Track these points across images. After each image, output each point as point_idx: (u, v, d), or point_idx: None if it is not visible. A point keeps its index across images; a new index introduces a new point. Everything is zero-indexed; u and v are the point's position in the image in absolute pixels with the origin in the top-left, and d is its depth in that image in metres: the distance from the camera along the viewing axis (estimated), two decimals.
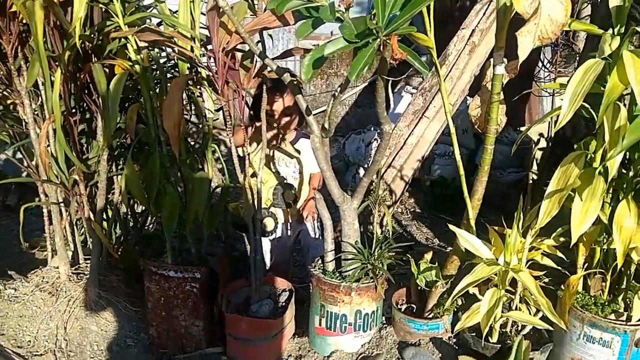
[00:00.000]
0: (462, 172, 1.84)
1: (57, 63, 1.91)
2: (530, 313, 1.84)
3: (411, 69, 5.91)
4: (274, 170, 2.45)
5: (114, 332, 2.17)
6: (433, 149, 4.16)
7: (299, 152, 2.46)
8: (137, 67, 1.90)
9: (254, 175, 2.09)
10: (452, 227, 1.76)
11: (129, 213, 2.47)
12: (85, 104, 2.10)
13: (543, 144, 3.78)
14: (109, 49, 1.93)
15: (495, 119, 1.74)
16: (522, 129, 5.53)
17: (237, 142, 2.14)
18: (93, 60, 1.99)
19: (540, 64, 4.47)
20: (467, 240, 1.74)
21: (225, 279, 2.16)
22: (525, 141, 5.48)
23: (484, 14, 2.98)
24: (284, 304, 2.15)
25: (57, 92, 1.89)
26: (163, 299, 2.08)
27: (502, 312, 1.81)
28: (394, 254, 2.02)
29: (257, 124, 2.23)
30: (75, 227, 2.39)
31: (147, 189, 2.03)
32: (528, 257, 1.79)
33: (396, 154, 3.08)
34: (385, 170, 3.05)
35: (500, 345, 1.82)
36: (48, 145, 2.10)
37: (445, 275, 1.98)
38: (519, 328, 1.92)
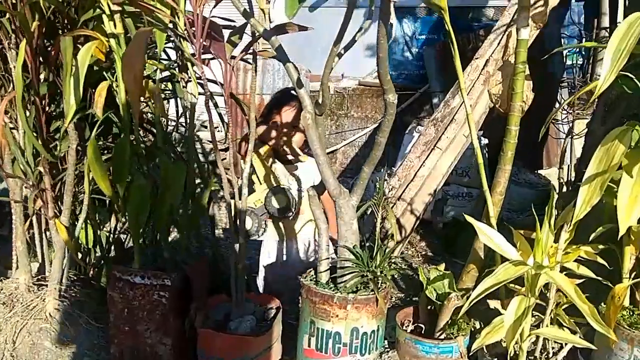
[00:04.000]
0: (480, 160, 1.56)
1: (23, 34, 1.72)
2: None
3: (423, 109, 5.75)
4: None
5: (69, 350, 1.86)
6: (445, 190, 3.86)
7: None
8: (112, 40, 1.69)
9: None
10: (468, 218, 1.45)
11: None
12: (58, 88, 1.89)
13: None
14: (83, 20, 1.73)
15: (520, 94, 1.48)
16: (541, 172, 5.30)
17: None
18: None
19: (557, 105, 4.34)
20: (489, 237, 1.43)
21: (201, 288, 1.85)
22: (544, 184, 5.24)
23: (498, 43, 2.79)
24: (269, 322, 1.83)
25: (20, 64, 1.68)
26: (127, 310, 1.77)
27: (530, 330, 1.47)
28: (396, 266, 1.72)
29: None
30: (44, 233, 2.13)
31: (116, 179, 1.77)
32: (561, 264, 1.48)
33: (406, 187, 2.82)
34: (395, 203, 2.80)
35: None
36: (13, 128, 1.88)
37: (460, 289, 1.66)
38: (549, 354, 1.57)
